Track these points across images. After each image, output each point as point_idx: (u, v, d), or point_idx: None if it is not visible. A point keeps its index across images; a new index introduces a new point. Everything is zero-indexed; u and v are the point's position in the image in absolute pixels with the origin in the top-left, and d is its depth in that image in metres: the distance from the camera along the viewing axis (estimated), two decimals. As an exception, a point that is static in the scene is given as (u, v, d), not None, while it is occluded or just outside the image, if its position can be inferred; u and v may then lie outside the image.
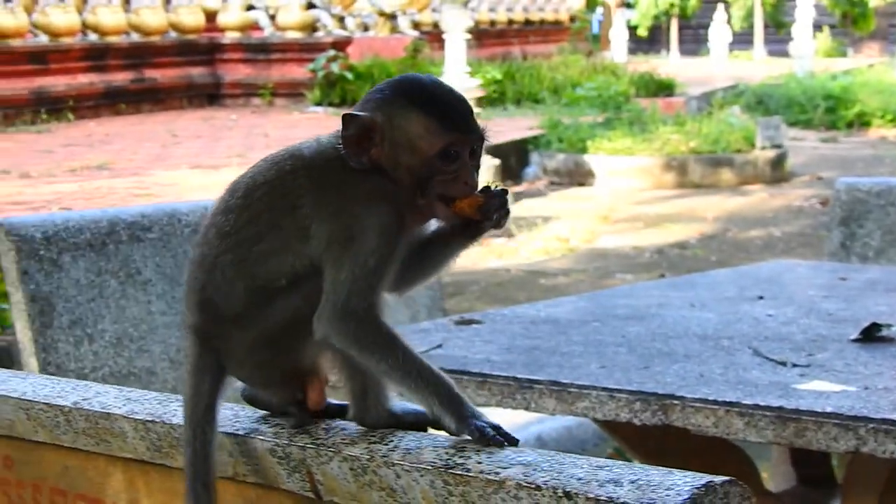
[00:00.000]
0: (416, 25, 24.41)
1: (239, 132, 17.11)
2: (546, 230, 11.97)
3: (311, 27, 22.30)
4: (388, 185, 1.81)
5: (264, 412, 1.81)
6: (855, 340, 2.76)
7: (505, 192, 1.88)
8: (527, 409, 2.33)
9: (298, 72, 21.09)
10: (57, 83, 18.73)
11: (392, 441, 1.57)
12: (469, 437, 1.65)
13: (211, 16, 22.16)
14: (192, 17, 21.73)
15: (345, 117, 1.78)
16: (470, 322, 2.91)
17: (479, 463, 1.48)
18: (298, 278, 1.81)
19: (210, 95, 21.54)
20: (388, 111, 1.80)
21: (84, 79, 19.30)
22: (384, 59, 21.49)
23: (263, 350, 1.82)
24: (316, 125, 18.07)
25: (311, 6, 22.36)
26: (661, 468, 1.41)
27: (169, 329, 3.59)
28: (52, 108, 18.39)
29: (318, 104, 20.62)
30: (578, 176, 15.27)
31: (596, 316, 2.99)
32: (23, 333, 3.19)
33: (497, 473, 1.44)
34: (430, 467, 1.48)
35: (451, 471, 1.47)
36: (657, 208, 13.39)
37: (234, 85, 21.63)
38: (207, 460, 1.71)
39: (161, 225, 3.63)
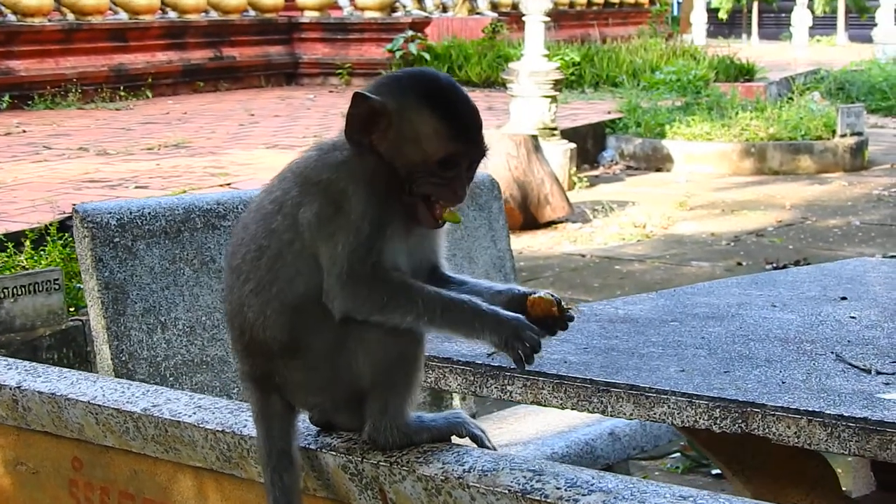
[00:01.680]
0: (494, 6, 24.32)
1: (316, 112, 17.12)
2: (622, 215, 11.87)
3: (390, 7, 22.27)
4: (380, 167, 1.79)
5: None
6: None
7: (572, 318, 1.89)
8: (603, 412, 2.28)
9: (376, 52, 21.08)
10: (136, 60, 18.86)
11: (467, 461, 1.53)
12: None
13: (290, -5, 22.23)
14: (270, -4, 21.80)
15: (356, 96, 1.80)
16: (545, 319, 2.86)
17: (558, 489, 1.44)
18: (320, 288, 1.79)
19: (288, 74, 21.59)
20: (401, 102, 1.81)
21: (163, 56, 19.41)
22: (462, 40, 21.43)
23: (322, 371, 1.79)
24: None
25: (390, -14, 22.34)
26: (742, 499, 1.35)
27: (242, 317, 3.57)
28: (130, 85, 18.52)
29: (395, 84, 20.58)
30: (656, 161, 15.14)
31: (675, 315, 2.93)
32: (96, 321, 3.18)
33: (576, 500, 1.40)
34: (506, 491, 1.44)
35: (528, 496, 1.43)
36: (734, 195, 13.24)
37: (312, 64, 21.66)
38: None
39: (236, 212, 3.60)
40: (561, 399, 2.34)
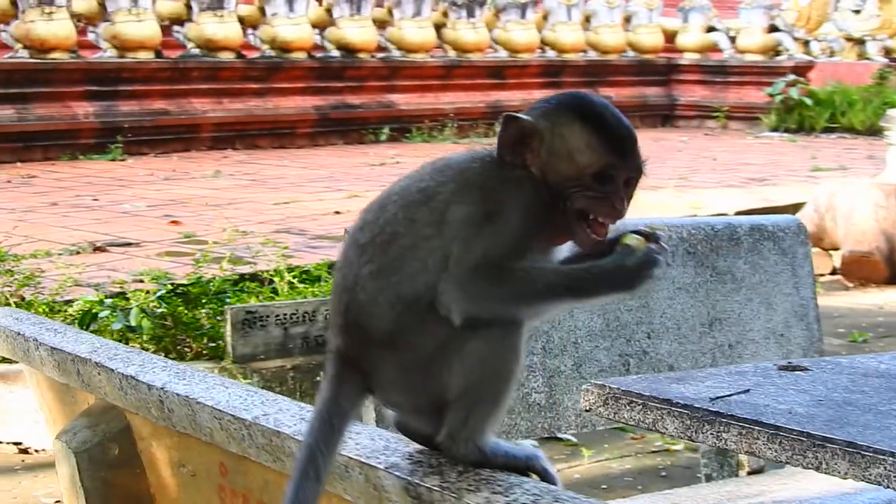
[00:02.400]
0: (887, 52, 23.48)
1: (687, 154, 16.97)
2: None
3: (773, 50, 21.86)
4: (537, 184, 1.77)
5: (417, 444, 1.72)
6: None
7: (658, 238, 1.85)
8: (817, 469, 2.13)
9: (755, 95, 20.73)
10: (512, 97, 19.22)
11: (514, 494, 1.46)
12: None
13: (669, 36, 22.13)
14: (650, 37, 21.78)
15: (506, 118, 1.79)
16: (795, 368, 2.71)
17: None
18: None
19: (664, 116, 21.52)
20: (553, 119, 1.79)
21: (539, 94, 19.58)
22: (847, 85, 20.78)
23: (415, 373, 1.74)
24: (769, 151, 17.69)
25: (773, 29, 21.92)
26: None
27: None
28: (505, 121, 18.88)
29: (774, 130, 20.19)
30: None
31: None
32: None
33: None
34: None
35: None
36: None
37: (689, 106, 21.51)
38: (318, 488, 1.61)
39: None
40: (775, 451, 2.20)
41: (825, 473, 2.14)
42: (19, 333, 1.94)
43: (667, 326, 3.89)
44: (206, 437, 1.62)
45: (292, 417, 1.56)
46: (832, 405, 2.40)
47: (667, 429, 2.37)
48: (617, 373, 3.74)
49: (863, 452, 2.09)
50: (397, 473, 1.35)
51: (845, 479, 2.13)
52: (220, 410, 1.58)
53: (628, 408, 2.43)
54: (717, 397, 2.40)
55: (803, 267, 4.22)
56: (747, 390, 2.48)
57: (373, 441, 1.47)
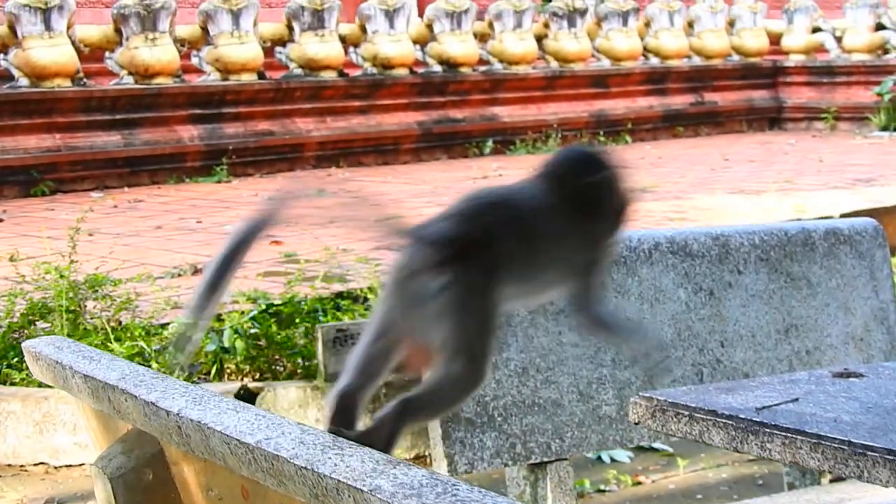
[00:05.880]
0: None
1: (793, 157, 16.77)
2: None
3: (881, 49, 21.53)
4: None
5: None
6: None
7: None
8: (859, 478, 2.11)
9: (864, 95, 20.41)
10: (616, 106, 19.15)
11: None
12: None
13: (774, 39, 21.89)
14: (755, 41, 21.56)
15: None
16: (850, 375, 2.68)
17: None
18: None
19: (771, 119, 21.28)
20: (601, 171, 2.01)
21: (643, 102, 19.61)
22: (958, 81, 20.39)
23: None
24: (877, 151, 17.41)
25: (880, 27, 21.58)
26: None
27: (580, 361, 3.56)
28: (609, 130, 18.82)
29: (884, 129, 19.86)
30: None
31: None
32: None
33: None
34: None
35: None
36: None
37: (796, 108, 21.25)
38: None
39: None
40: (818, 460, 2.18)
41: (868, 482, 2.12)
42: (58, 362, 2.01)
43: (741, 334, 3.87)
44: (221, 462, 1.66)
45: (292, 441, 1.58)
46: (881, 412, 2.38)
47: (713, 440, 2.36)
48: (690, 382, 3.72)
49: (903, 460, 2.07)
50: (379, 496, 1.37)
51: (887, 487, 2.11)
52: (227, 435, 1.62)
53: (675, 419, 2.43)
54: (764, 407, 2.39)
55: (882, 270, 4.16)
56: (796, 399, 2.47)
57: (363, 464, 1.49)
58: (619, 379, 3.61)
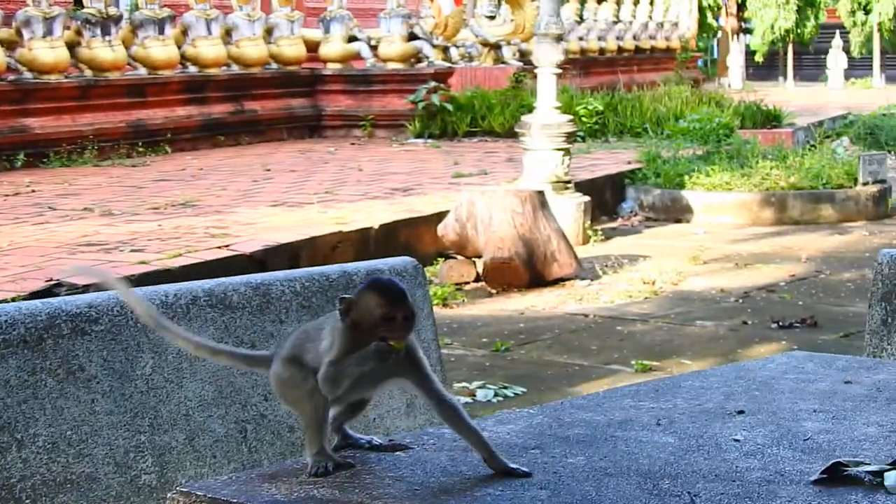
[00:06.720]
0: (521, 55, 24.08)
1: (333, 166, 16.94)
2: (632, 271, 11.59)
3: (414, 58, 22.14)
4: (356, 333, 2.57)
5: None
6: (815, 482, 2.38)
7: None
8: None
9: (399, 103, 20.93)
10: (155, 116, 18.78)
11: None
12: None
13: (313, 47, 22.09)
14: (293, 49, 21.68)
15: (340, 300, 2.56)
16: (396, 448, 2.60)
17: None
18: None
19: (311, 127, 21.46)
20: (359, 295, 2.56)
21: (182, 111, 19.32)
22: (486, 90, 21.24)
23: None
24: (413, 158, 17.86)
25: (412, 37, 22.20)
26: None
27: (115, 430, 3.33)
28: (149, 140, 18.43)
29: (419, 136, 20.44)
30: (675, 212, 14.86)
31: (543, 439, 2.63)
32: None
33: None
34: None
35: None
36: (751, 247, 12.93)
37: (335, 116, 21.53)
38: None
39: (111, 315, 3.38)
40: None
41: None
42: None
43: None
44: None
45: None
46: (427, 496, 2.30)
47: None
48: (234, 441, 3.57)
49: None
50: None
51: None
52: None
53: (217, 516, 2.27)
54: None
55: (422, 309, 4.14)
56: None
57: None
58: (157, 445, 3.41)
